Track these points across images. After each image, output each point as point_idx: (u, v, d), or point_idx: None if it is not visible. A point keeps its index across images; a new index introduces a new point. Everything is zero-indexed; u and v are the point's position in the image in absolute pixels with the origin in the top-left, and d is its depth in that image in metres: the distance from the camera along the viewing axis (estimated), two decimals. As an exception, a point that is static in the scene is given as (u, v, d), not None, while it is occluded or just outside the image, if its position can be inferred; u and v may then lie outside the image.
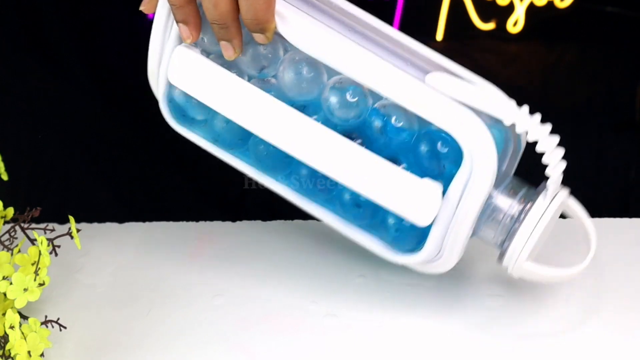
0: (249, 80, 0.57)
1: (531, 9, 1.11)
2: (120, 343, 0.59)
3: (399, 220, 0.58)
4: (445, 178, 0.55)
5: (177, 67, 0.58)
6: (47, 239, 0.55)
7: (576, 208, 0.59)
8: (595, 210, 0.70)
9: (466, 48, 1.15)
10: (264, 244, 0.69)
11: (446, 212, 0.55)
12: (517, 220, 0.57)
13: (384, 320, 0.60)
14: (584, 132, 0.99)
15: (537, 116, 0.54)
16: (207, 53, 0.59)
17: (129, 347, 0.58)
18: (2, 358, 0.52)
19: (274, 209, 0.92)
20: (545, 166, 0.55)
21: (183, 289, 0.64)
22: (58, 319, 0.55)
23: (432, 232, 0.56)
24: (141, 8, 0.61)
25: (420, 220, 0.54)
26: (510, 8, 1.12)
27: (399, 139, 0.56)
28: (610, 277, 0.63)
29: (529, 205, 0.56)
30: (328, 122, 0.57)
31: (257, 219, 0.73)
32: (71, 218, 0.57)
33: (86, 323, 0.60)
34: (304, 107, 0.58)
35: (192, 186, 0.95)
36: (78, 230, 0.57)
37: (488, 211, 0.57)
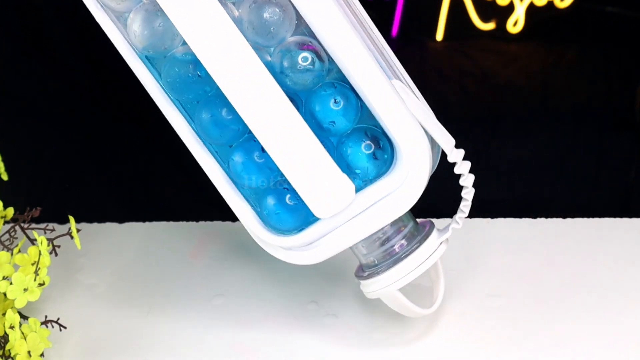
0: None
1: (531, 9, 1.11)
2: (120, 343, 0.59)
3: (284, 197, 0.54)
4: (354, 179, 0.53)
5: None
6: (47, 239, 0.55)
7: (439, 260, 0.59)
8: (595, 210, 0.70)
9: (466, 48, 1.15)
10: (264, 244, 0.69)
11: (348, 213, 0.53)
12: (401, 250, 0.56)
13: (384, 320, 0.60)
14: (584, 132, 0.99)
15: (467, 162, 0.54)
16: None
17: (129, 346, 0.58)
18: (2, 358, 0.52)
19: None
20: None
21: (183, 289, 0.64)
22: (58, 319, 0.56)
23: (318, 225, 0.54)
24: None
25: (321, 212, 0.52)
26: (510, 8, 1.12)
27: (334, 124, 0.53)
28: (610, 277, 0.63)
29: (416, 240, 0.56)
30: (273, 75, 0.52)
31: (257, 219, 0.73)
32: (71, 218, 0.57)
33: (86, 323, 0.60)
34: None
35: (192, 186, 0.95)
36: (78, 230, 0.57)
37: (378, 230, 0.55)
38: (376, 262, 0.57)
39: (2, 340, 0.53)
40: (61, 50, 0.94)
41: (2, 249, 0.55)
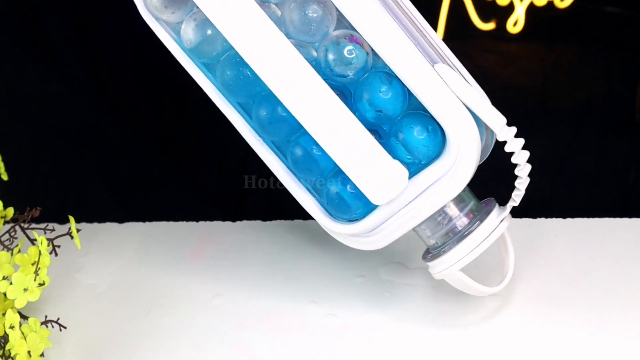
0: None
1: (531, 9, 1.11)
2: (120, 343, 0.59)
3: (344, 186, 0.56)
4: (404, 162, 0.54)
5: None
6: (47, 239, 0.55)
7: (506, 233, 0.59)
8: (595, 210, 0.70)
9: (466, 48, 1.15)
10: (264, 244, 0.69)
11: (404, 198, 0.54)
12: (463, 228, 0.57)
13: (384, 320, 0.60)
14: (584, 132, 0.99)
15: (520, 138, 0.55)
16: None
17: (129, 347, 0.58)
18: (2, 358, 0.52)
19: (274, 209, 0.92)
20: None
21: (183, 289, 0.64)
22: (58, 319, 0.56)
23: (378, 212, 0.55)
24: None
25: (377, 199, 0.54)
26: (510, 8, 1.12)
27: (382, 113, 0.54)
28: (610, 277, 0.63)
29: (477, 218, 0.57)
30: (319, 72, 0.54)
31: (257, 219, 0.73)
32: (71, 218, 0.57)
33: (86, 323, 0.60)
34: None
35: (192, 186, 0.95)
36: (78, 230, 0.57)
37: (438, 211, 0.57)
38: (439, 243, 0.58)
39: (2, 340, 0.53)
40: (61, 50, 0.94)
41: (2, 249, 0.55)
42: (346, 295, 0.63)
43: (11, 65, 0.93)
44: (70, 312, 0.61)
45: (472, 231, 0.56)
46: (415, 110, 0.54)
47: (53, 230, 0.58)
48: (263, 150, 0.58)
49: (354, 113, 0.53)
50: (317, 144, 0.55)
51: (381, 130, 0.55)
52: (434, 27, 1.10)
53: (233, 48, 0.54)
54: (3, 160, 0.66)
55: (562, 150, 1.01)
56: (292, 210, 0.73)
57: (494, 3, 1.13)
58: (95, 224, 0.73)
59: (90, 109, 0.95)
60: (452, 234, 0.57)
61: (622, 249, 0.66)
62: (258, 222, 0.72)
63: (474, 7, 1.12)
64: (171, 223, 0.73)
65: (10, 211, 0.60)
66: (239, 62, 0.55)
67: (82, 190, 0.95)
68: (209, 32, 0.55)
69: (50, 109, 0.94)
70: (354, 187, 0.56)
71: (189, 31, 0.55)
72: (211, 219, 0.73)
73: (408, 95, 0.54)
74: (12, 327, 0.51)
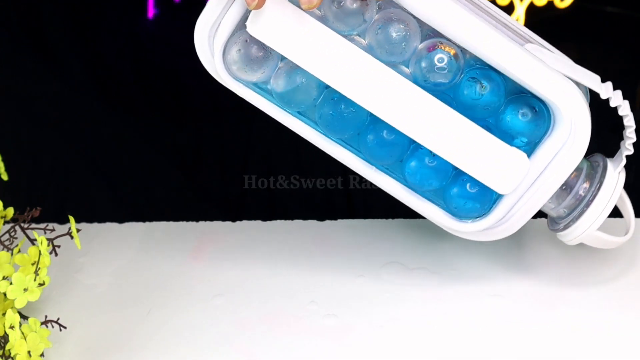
0: None
1: (531, 9, 1.11)
2: (120, 343, 0.59)
3: (464, 187, 0.58)
4: (519, 146, 0.56)
5: (264, 16, 0.53)
6: (47, 239, 0.55)
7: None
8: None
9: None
10: (264, 244, 0.69)
11: (528, 180, 0.57)
12: (587, 192, 0.59)
13: (384, 320, 0.60)
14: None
15: (618, 90, 0.57)
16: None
17: (128, 347, 0.58)
18: (2, 358, 0.52)
19: (274, 209, 0.92)
20: None
21: (183, 289, 0.64)
22: (58, 319, 0.55)
23: (505, 200, 0.58)
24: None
25: (504, 188, 0.56)
26: (510, 8, 1.12)
27: (485, 105, 0.56)
28: (610, 277, 0.63)
29: (597, 179, 0.59)
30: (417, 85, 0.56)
31: (257, 219, 0.73)
32: (71, 218, 0.57)
33: (86, 323, 0.60)
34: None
35: (192, 186, 0.95)
36: (78, 230, 0.57)
37: None
38: (567, 212, 0.60)
39: (2, 340, 0.53)
40: (61, 50, 0.94)
41: (2, 249, 0.55)
42: (346, 295, 0.63)
43: (11, 65, 0.92)
44: (70, 312, 0.61)
45: (597, 192, 0.58)
46: (515, 95, 0.56)
47: (53, 230, 0.58)
48: (378, 176, 0.59)
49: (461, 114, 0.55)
50: (429, 155, 0.57)
51: (488, 122, 0.57)
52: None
53: (326, 89, 0.56)
54: (3, 160, 0.65)
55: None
56: (292, 210, 0.73)
57: (494, 3, 1.13)
58: (95, 224, 0.73)
59: (90, 109, 0.94)
60: (578, 201, 0.59)
61: (622, 249, 0.66)
62: (258, 222, 0.72)
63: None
64: (171, 223, 0.73)
65: (10, 211, 0.60)
66: (337, 100, 0.57)
67: (82, 190, 0.95)
68: (302, 80, 0.56)
69: (50, 109, 0.94)
70: (475, 184, 0.57)
71: (280, 85, 0.56)
72: (211, 219, 0.73)
73: (504, 82, 0.56)
74: (12, 327, 0.51)
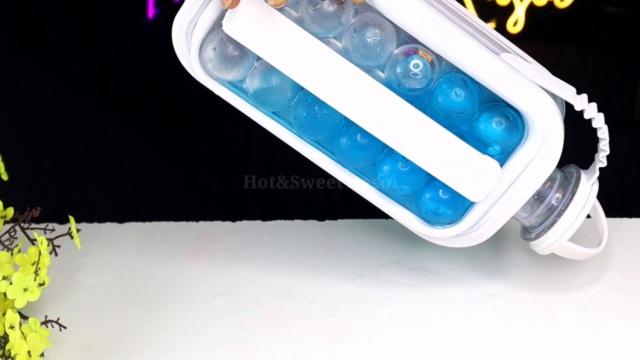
0: None
1: (531, 9, 1.11)
2: (120, 343, 0.59)
3: (437, 193, 0.58)
4: (492, 154, 0.57)
5: (241, 16, 0.53)
6: (47, 239, 0.55)
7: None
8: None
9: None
10: (264, 244, 0.69)
11: (500, 188, 0.57)
12: (559, 202, 0.59)
13: (384, 320, 0.60)
14: (583, 132, 0.99)
15: (593, 103, 0.57)
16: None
17: (129, 347, 0.58)
18: (2, 358, 0.52)
19: (274, 209, 0.92)
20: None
21: (183, 289, 0.64)
22: (58, 319, 0.55)
23: (477, 207, 0.58)
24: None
25: (475, 196, 0.56)
26: (510, 8, 1.12)
27: (459, 113, 0.56)
28: (609, 277, 0.63)
29: (569, 189, 0.59)
30: (391, 90, 0.56)
31: (257, 219, 0.73)
32: (71, 218, 0.57)
33: (86, 323, 0.60)
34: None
35: (192, 186, 0.95)
36: (78, 230, 0.57)
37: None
38: (539, 221, 0.60)
39: (2, 340, 0.53)
40: (61, 50, 0.94)
41: (2, 249, 0.55)
42: (346, 295, 0.63)
43: (11, 65, 0.92)
44: (70, 312, 0.61)
45: (569, 203, 0.58)
46: (490, 103, 0.56)
47: (53, 230, 0.58)
48: (352, 180, 0.59)
49: (434, 121, 0.55)
50: (402, 160, 0.57)
51: (462, 130, 0.57)
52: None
53: (301, 90, 0.56)
54: (3, 160, 0.65)
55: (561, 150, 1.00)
56: (292, 210, 0.73)
57: (494, 3, 1.13)
58: (95, 224, 0.73)
59: (90, 109, 0.94)
60: (551, 211, 0.59)
61: (622, 249, 0.66)
62: (258, 222, 0.72)
63: (474, 7, 1.12)
64: (171, 223, 0.73)
65: (10, 211, 0.59)
66: (311, 102, 0.57)
67: (82, 190, 0.95)
68: (276, 81, 0.56)
69: (50, 109, 0.94)
70: (447, 190, 0.57)
71: (255, 84, 0.57)
72: (211, 219, 0.73)
73: (480, 91, 0.56)
74: (12, 327, 0.51)
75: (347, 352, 0.57)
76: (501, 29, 1.13)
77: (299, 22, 0.55)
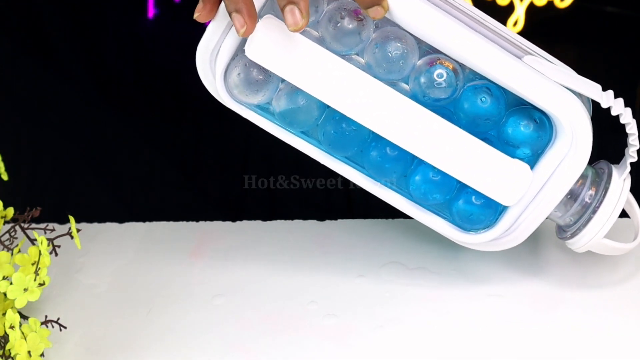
0: None
1: (531, 9, 1.11)
2: (120, 343, 0.59)
3: (469, 200, 0.59)
4: (521, 158, 0.57)
5: (262, 41, 0.53)
6: (47, 239, 0.55)
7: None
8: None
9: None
10: (264, 244, 0.69)
11: (532, 190, 0.57)
12: (593, 199, 0.59)
13: (384, 320, 0.60)
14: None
15: (619, 99, 0.57)
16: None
17: (129, 347, 0.58)
18: (2, 358, 0.52)
19: (274, 209, 0.92)
20: None
21: (183, 289, 0.64)
22: (58, 319, 0.55)
23: (510, 211, 0.58)
24: (195, 16, 0.55)
25: (508, 200, 0.56)
26: (510, 8, 1.11)
27: (486, 119, 0.56)
28: (609, 277, 0.63)
29: (602, 186, 0.59)
30: (416, 102, 0.56)
31: (257, 219, 0.73)
32: (71, 218, 0.57)
33: (86, 323, 0.60)
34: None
35: (192, 186, 0.95)
36: (78, 230, 0.57)
37: None
38: (574, 220, 0.60)
39: (2, 340, 0.53)
40: (61, 50, 0.94)
41: (2, 249, 0.55)
42: (346, 295, 0.63)
43: (11, 65, 0.92)
44: (70, 312, 0.61)
45: (602, 200, 0.58)
46: (516, 107, 0.56)
47: (53, 230, 0.58)
48: (384, 192, 0.60)
49: (462, 129, 0.55)
50: (433, 169, 0.58)
51: (489, 135, 0.57)
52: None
53: (327, 108, 0.57)
54: (3, 160, 0.66)
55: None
56: (292, 211, 0.73)
57: (494, 3, 1.13)
58: (95, 224, 0.73)
59: (90, 109, 0.94)
60: (585, 208, 0.59)
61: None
62: (258, 222, 0.72)
63: (474, 7, 1.12)
64: (171, 223, 0.73)
65: (10, 211, 0.60)
66: (339, 120, 0.57)
67: (82, 190, 0.94)
68: (302, 101, 0.57)
69: (50, 109, 0.94)
70: (480, 196, 0.58)
71: (282, 106, 0.57)
72: (211, 219, 0.73)
73: (505, 95, 0.56)
74: (12, 327, 0.51)
75: (347, 352, 0.57)
76: (501, 29, 1.13)
77: (321, 41, 0.55)
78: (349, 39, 0.55)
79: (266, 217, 0.73)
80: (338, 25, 0.54)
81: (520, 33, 1.12)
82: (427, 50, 0.56)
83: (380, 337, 0.59)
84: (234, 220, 0.73)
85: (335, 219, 0.72)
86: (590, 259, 0.64)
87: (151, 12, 0.96)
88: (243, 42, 0.55)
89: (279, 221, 0.72)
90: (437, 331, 0.59)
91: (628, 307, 0.61)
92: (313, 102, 0.57)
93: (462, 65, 0.56)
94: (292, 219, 0.72)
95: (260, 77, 0.56)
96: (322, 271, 0.65)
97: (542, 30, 1.11)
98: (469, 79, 0.56)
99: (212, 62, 0.57)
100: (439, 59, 0.55)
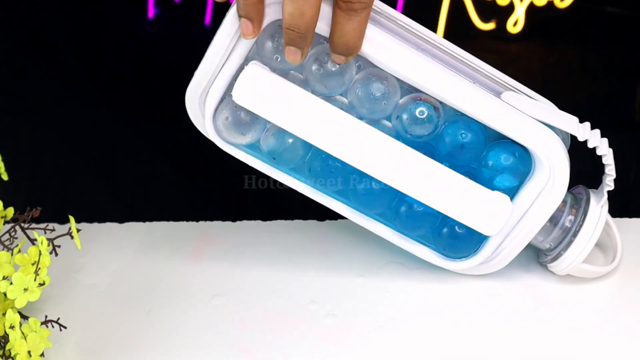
0: None
1: (531, 9, 1.11)
2: (120, 343, 0.59)
3: (453, 230, 0.61)
4: (501, 189, 0.59)
5: (248, 86, 0.55)
6: (47, 239, 0.55)
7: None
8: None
9: (466, 48, 1.15)
10: (264, 244, 0.69)
11: (513, 220, 0.59)
12: (573, 224, 0.61)
13: (384, 320, 0.60)
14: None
15: (596, 130, 0.59)
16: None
17: (129, 347, 0.58)
18: (2, 358, 0.52)
19: (274, 209, 0.92)
20: None
21: (183, 289, 0.64)
22: (58, 319, 0.56)
23: (492, 239, 0.60)
24: (245, 37, 0.55)
25: (489, 230, 0.58)
26: (510, 8, 1.12)
27: (466, 153, 0.58)
28: (609, 277, 0.63)
29: (580, 210, 0.61)
30: (398, 139, 0.58)
31: (257, 219, 0.73)
32: (71, 218, 0.57)
33: (86, 323, 0.60)
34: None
35: (192, 186, 0.95)
36: (78, 230, 0.57)
37: None
38: (554, 244, 0.62)
39: (2, 340, 0.53)
40: (61, 50, 0.94)
41: (2, 249, 0.55)
42: (346, 295, 0.63)
43: (11, 65, 0.92)
44: (70, 312, 0.61)
45: (582, 225, 0.60)
46: (496, 141, 0.58)
47: (53, 230, 0.58)
48: (371, 224, 0.62)
49: (443, 163, 0.57)
50: (418, 202, 0.59)
51: (470, 168, 0.59)
52: (434, 28, 1.10)
53: (313, 147, 0.58)
54: (3, 160, 0.65)
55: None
56: (292, 211, 0.73)
57: (494, 3, 1.13)
58: (95, 224, 0.73)
59: (90, 109, 0.94)
60: (564, 233, 0.61)
61: (622, 249, 0.65)
62: (258, 222, 0.72)
63: (474, 7, 1.12)
64: (171, 223, 0.73)
65: (10, 211, 0.59)
66: (325, 158, 0.59)
67: (82, 190, 0.94)
68: (289, 140, 0.59)
69: (50, 109, 0.94)
70: (462, 226, 0.60)
71: (270, 145, 0.59)
72: (211, 219, 0.73)
73: (485, 130, 0.58)
74: (12, 327, 0.51)
75: (347, 352, 0.57)
76: (501, 29, 1.13)
77: (305, 83, 0.57)
78: (333, 81, 0.57)
79: (266, 217, 0.73)
80: (321, 68, 0.56)
81: (520, 33, 1.13)
82: (408, 89, 0.58)
83: (380, 337, 0.59)
84: (234, 220, 0.73)
85: (335, 219, 0.72)
86: (590, 259, 0.64)
87: (151, 12, 0.96)
88: (230, 86, 0.57)
89: (279, 221, 0.72)
90: (437, 331, 0.59)
91: (628, 307, 0.61)
92: (299, 141, 0.59)
93: (442, 103, 0.57)
94: (292, 219, 0.72)
95: (248, 119, 0.58)
96: (322, 271, 0.65)
97: (542, 30, 1.11)
98: (449, 115, 0.58)
99: (201, 104, 0.59)
100: (420, 97, 0.57)
